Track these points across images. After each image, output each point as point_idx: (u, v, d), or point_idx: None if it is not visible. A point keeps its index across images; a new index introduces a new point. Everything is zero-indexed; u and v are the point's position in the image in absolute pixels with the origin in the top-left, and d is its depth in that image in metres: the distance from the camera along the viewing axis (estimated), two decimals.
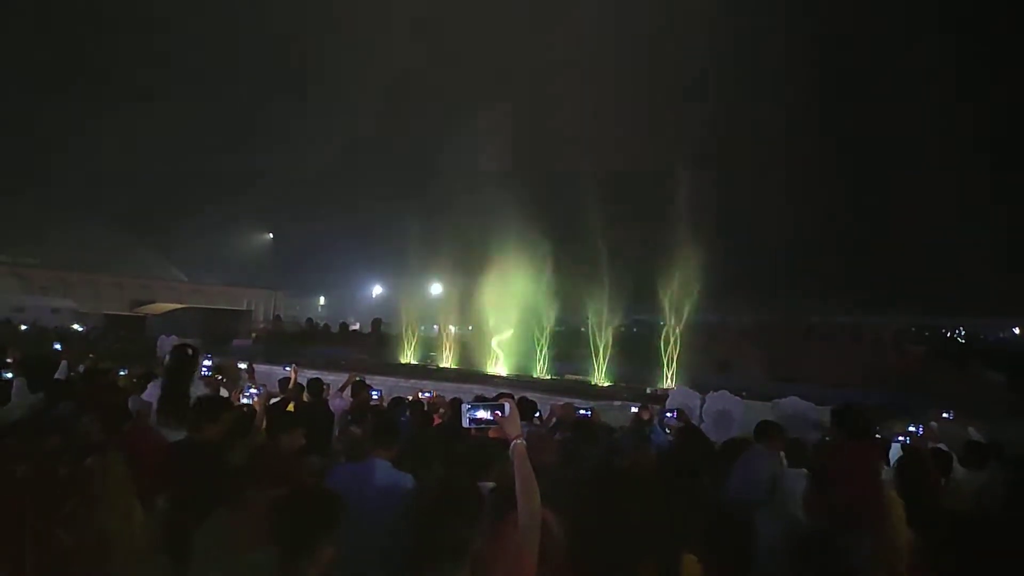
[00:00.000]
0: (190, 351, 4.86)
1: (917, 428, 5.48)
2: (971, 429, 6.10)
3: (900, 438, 5.31)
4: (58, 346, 9.25)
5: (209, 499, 2.61)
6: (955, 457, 4.70)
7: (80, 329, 22.05)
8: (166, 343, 14.57)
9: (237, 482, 2.84)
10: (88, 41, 37.37)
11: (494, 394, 6.80)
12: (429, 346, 18.05)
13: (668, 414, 5.95)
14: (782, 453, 4.30)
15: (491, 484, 2.58)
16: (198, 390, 4.68)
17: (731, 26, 34.42)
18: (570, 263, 16.17)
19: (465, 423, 2.24)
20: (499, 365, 15.79)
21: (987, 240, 35.50)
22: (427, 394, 7.49)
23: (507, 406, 2.19)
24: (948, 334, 33.47)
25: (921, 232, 35.76)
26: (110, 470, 2.59)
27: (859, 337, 17.76)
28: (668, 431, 6.18)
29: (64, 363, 7.30)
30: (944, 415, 6.90)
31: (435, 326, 19.82)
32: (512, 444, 2.10)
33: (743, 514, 2.71)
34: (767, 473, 3.34)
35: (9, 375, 5.82)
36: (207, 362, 5.64)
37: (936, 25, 34.14)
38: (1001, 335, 33.53)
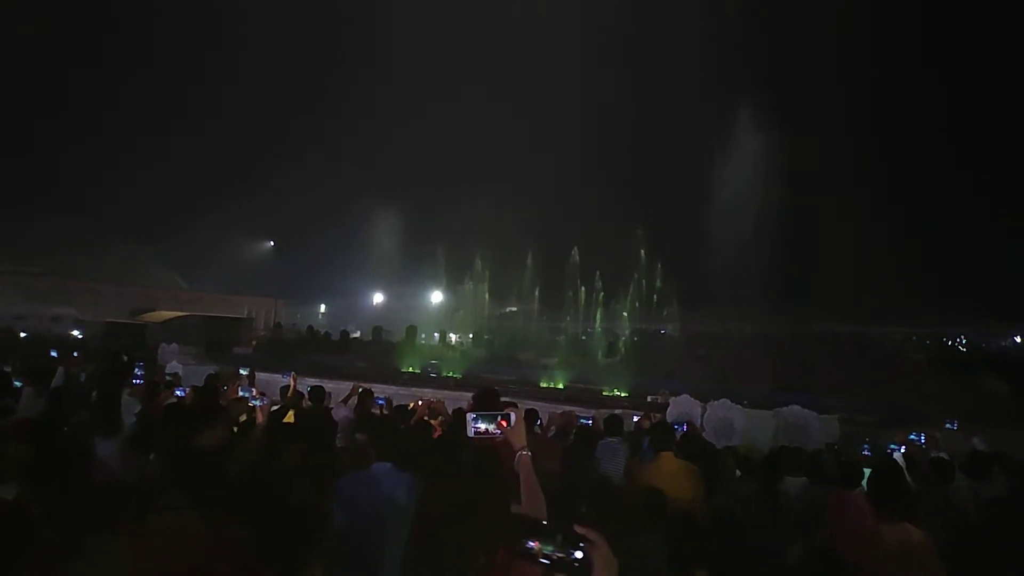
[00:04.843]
0: (125, 358, 4.80)
1: (918, 437, 5.42)
2: (976, 440, 6.03)
3: (893, 446, 5.25)
4: (54, 353, 9.21)
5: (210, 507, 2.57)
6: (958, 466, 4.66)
7: (79, 336, 22.03)
8: (167, 351, 14.58)
9: (236, 490, 2.81)
10: (92, 46, 37.59)
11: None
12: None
13: (675, 427, 5.80)
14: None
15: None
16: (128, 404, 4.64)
17: None
18: (565, 272, 16.17)
19: (470, 432, 2.18)
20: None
21: (988, 248, 35.52)
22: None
23: (513, 416, 2.15)
24: (949, 343, 33.44)
25: (922, 239, 35.79)
26: None
27: (863, 346, 17.70)
28: None
29: (61, 370, 7.26)
30: (948, 425, 6.84)
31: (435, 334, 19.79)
32: (517, 455, 2.06)
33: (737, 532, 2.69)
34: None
35: (19, 383, 5.78)
36: (138, 371, 5.61)
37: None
38: (1002, 343, 33.48)
